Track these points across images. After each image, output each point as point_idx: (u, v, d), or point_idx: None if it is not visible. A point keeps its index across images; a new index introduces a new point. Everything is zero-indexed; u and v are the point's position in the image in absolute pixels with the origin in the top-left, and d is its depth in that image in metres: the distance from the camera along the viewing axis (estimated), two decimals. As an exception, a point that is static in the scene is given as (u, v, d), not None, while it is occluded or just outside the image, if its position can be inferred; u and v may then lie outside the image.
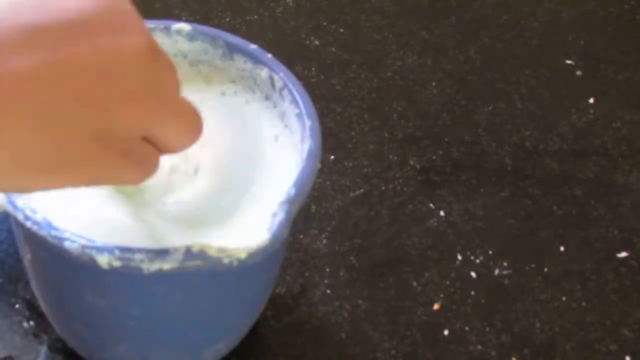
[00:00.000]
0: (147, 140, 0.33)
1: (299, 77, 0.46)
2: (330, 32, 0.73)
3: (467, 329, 0.55)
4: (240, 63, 0.47)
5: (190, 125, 0.34)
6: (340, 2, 0.76)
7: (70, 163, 0.31)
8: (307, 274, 0.57)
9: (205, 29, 0.47)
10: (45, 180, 0.31)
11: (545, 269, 0.58)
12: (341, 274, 0.57)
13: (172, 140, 0.34)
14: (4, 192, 0.31)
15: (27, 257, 0.44)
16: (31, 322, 0.53)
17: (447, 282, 0.57)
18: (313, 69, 0.70)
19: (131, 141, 0.32)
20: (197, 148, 0.44)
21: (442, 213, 0.61)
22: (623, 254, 0.60)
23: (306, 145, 0.42)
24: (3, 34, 0.28)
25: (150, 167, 0.34)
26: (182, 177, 0.43)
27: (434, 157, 0.64)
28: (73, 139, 0.30)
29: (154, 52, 0.31)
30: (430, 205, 0.61)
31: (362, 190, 0.62)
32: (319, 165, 0.42)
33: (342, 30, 0.74)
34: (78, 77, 0.29)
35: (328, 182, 0.62)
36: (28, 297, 0.54)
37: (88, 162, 0.31)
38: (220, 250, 0.37)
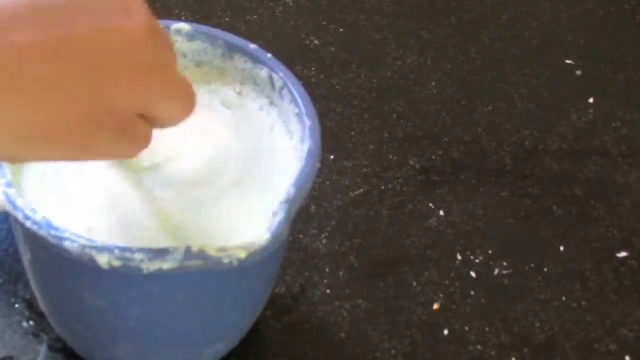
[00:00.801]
0: (141, 116, 0.34)
1: (299, 77, 0.46)
2: (330, 32, 0.73)
3: (467, 329, 0.55)
4: (240, 63, 0.47)
5: (185, 102, 0.35)
6: (340, 2, 0.76)
7: (66, 137, 0.31)
8: (307, 274, 0.57)
9: (205, 29, 0.47)
10: (37, 152, 0.32)
11: (545, 269, 0.58)
12: (341, 274, 0.57)
13: (167, 116, 0.35)
14: None
15: (27, 257, 0.44)
16: (31, 322, 0.53)
17: (447, 282, 0.57)
18: (313, 69, 0.70)
19: (127, 118, 0.33)
20: (197, 147, 0.44)
21: (442, 213, 0.61)
22: (623, 254, 0.60)
23: (306, 145, 0.42)
24: (6, 7, 0.29)
25: (143, 141, 0.35)
26: (185, 176, 0.43)
27: (434, 157, 0.64)
28: (71, 114, 0.31)
29: (153, 34, 0.32)
30: (430, 205, 0.61)
31: (362, 190, 0.62)
32: (319, 165, 0.42)
33: (342, 30, 0.73)
34: (77, 55, 0.30)
35: (328, 182, 0.62)
36: (28, 297, 0.54)
37: (83, 137, 0.32)
38: (220, 250, 0.37)
